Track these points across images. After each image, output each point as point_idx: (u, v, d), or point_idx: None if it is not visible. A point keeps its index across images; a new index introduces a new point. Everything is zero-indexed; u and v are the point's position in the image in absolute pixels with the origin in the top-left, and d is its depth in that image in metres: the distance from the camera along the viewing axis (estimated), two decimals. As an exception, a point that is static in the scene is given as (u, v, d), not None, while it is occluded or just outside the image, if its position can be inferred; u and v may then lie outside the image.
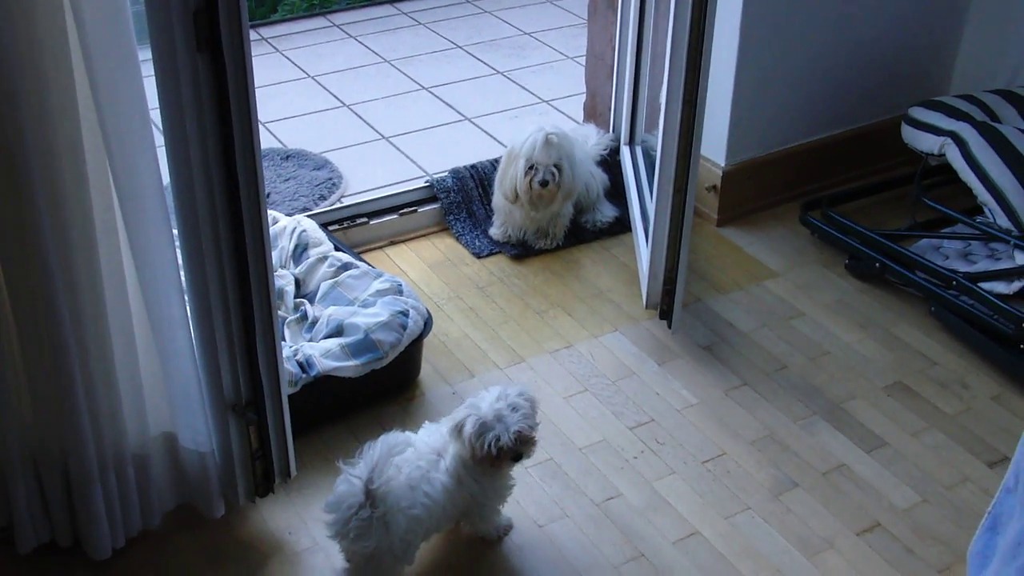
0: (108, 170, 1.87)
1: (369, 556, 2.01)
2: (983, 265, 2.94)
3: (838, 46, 3.34)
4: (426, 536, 2.13)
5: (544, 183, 3.02)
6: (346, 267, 2.82)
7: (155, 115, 1.82)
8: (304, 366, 2.46)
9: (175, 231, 1.95)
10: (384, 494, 1.97)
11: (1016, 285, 2.78)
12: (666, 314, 2.82)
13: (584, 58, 3.84)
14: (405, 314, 2.59)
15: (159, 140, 1.84)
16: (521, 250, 3.20)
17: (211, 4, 1.72)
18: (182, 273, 1.99)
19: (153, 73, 1.79)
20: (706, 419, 2.60)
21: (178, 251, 1.97)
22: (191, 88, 1.79)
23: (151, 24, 1.74)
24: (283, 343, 2.53)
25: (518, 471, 2.42)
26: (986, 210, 2.91)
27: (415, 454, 2.10)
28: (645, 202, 3.09)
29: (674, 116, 2.55)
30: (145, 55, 1.79)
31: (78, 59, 1.77)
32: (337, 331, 2.57)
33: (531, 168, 3.04)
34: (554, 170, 3.03)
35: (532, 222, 3.18)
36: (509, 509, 2.32)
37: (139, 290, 1.99)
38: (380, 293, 2.68)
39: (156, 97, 1.81)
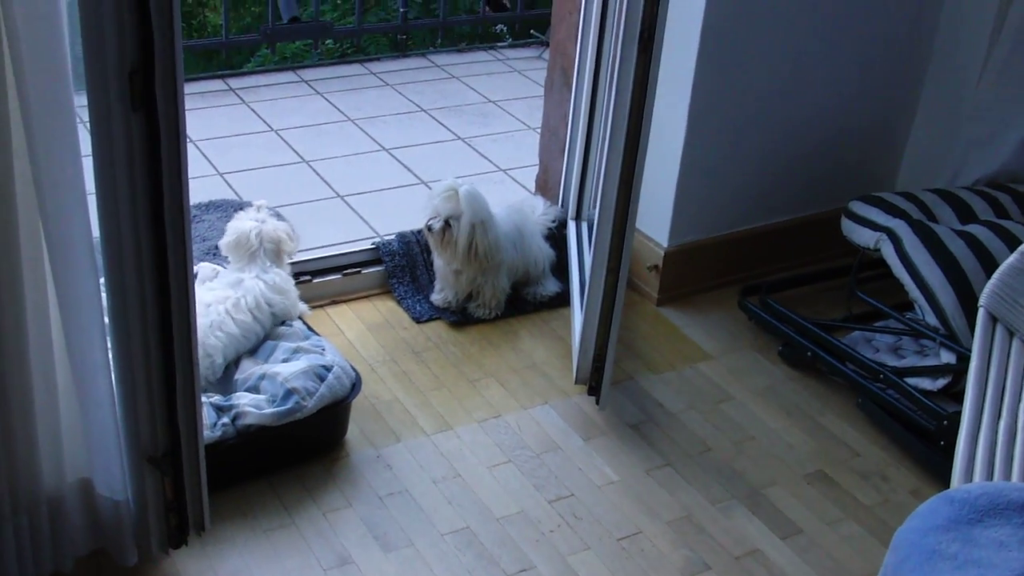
0: (38, 214, 1.89)
1: None
2: (911, 360, 2.99)
3: (786, 140, 3.41)
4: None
5: (429, 228, 3.14)
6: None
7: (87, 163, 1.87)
8: (220, 410, 2.50)
9: (102, 280, 1.98)
10: None
11: (940, 382, 2.82)
12: (595, 390, 2.85)
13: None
14: (328, 368, 2.62)
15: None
16: (460, 317, 3.23)
17: (147, 65, 1.76)
18: (107, 321, 2.01)
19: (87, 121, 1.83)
20: (626, 497, 2.63)
21: (104, 299, 2.00)
22: (124, 146, 1.82)
23: (88, 82, 1.78)
24: (217, 396, 2.57)
25: (432, 538, 2.44)
26: (916, 307, 2.97)
27: None
28: (585, 277, 3.13)
29: (610, 196, 2.60)
30: (81, 101, 1.83)
31: (15, 107, 1.80)
32: (256, 386, 2.60)
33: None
34: (442, 223, 3.12)
35: (462, 283, 3.22)
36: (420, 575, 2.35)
37: (63, 335, 2.01)
38: (302, 351, 2.71)
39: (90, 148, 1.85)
